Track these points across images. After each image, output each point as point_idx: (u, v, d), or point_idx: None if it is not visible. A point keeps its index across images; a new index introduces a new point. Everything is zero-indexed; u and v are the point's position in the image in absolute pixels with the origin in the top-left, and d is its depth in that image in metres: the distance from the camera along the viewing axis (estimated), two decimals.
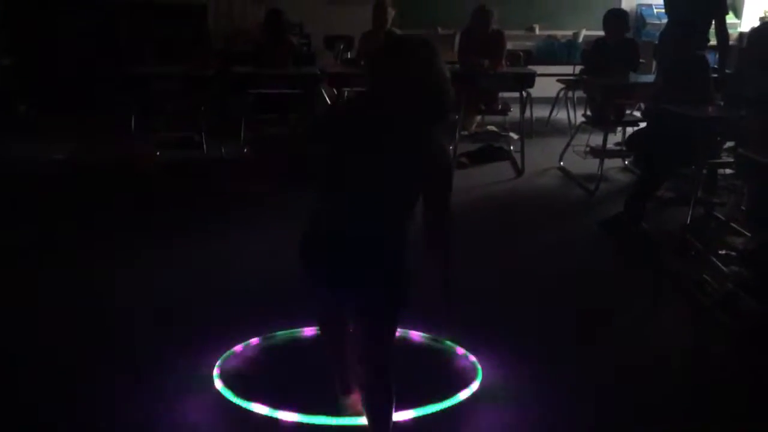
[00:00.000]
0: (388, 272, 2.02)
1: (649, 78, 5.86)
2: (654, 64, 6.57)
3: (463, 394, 2.62)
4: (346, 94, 6.56)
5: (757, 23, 7.75)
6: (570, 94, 7.47)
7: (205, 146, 6.10)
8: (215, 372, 2.71)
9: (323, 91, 7.31)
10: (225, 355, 2.86)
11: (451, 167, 2.09)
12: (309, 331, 3.03)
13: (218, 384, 2.64)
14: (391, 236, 2.01)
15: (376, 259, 1.99)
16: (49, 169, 5.67)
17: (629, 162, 5.99)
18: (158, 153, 5.96)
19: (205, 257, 3.99)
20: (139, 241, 4.22)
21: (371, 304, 2.04)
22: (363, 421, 2.25)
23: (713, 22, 5.42)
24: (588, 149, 6.07)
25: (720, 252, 3.96)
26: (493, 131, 6.83)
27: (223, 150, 6.02)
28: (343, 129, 2.02)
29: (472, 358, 2.88)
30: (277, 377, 2.77)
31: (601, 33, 6.03)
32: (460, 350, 2.95)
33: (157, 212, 4.75)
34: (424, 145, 1.97)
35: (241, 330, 3.03)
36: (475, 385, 2.68)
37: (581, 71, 6.98)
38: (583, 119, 6.14)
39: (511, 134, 6.54)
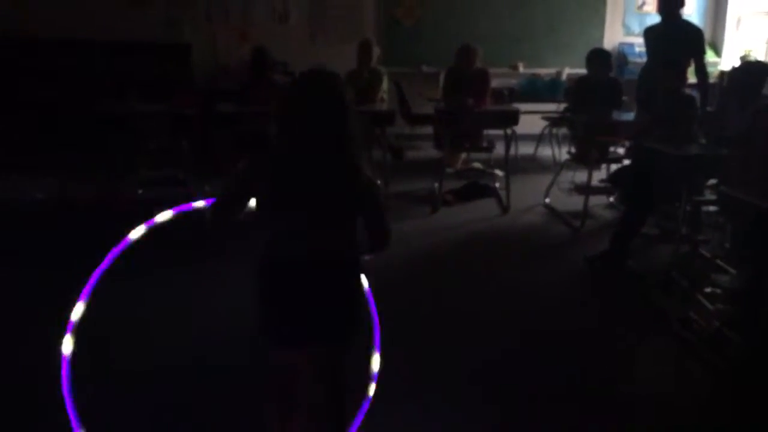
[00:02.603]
0: (349, 301, 2.09)
1: (632, 116, 5.90)
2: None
3: None
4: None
5: (737, 62, 7.87)
6: (554, 131, 7.51)
7: (188, 183, 6.06)
8: None
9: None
10: None
11: (375, 187, 2.14)
12: None
13: None
14: (347, 271, 2.08)
15: (340, 297, 2.06)
16: (30, 208, 5.60)
17: (614, 199, 5.99)
18: (140, 191, 5.91)
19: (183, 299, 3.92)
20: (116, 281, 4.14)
21: (337, 335, 2.09)
22: None
23: (692, 61, 5.51)
24: (573, 186, 6.09)
25: (705, 290, 3.94)
26: (478, 168, 6.84)
27: (206, 188, 5.97)
28: (270, 179, 2.06)
29: None
30: None
31: (584, 71, 6.10)
32: None
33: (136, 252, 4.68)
34: (347, 174, 2.03)
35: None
36: None
37: (565, 109, 7.03)
38: (567, 156, 6.16)
39: (496, 171, 6.55)
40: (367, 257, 2.17)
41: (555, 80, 8.68)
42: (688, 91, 5.21)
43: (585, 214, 5.45)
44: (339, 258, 2.05)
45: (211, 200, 2.26)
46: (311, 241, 2.01)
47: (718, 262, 4.14)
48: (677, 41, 5.54)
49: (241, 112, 5.86)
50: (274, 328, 2.07)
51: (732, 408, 3.01)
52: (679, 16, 5.70)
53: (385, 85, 6.48)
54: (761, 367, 3.27)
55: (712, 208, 4.88)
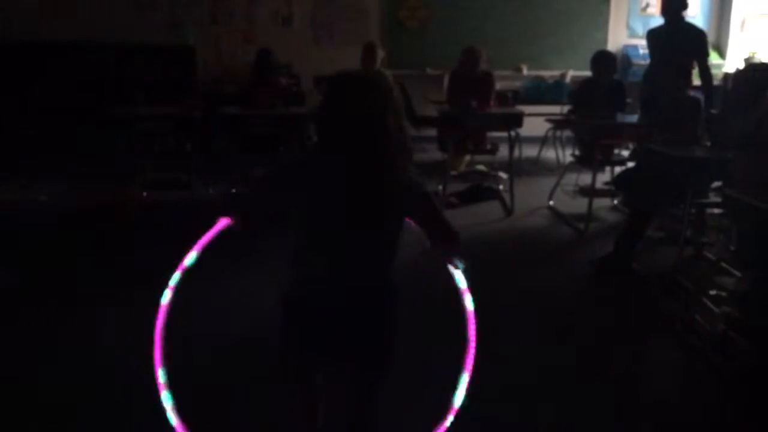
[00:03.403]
0: (388, 324, 2.00)
1: (636, 118, 5.90)
2: None
3: None
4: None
5: (742, 64, 7.86)
6: (558, 133, 7.51)
7: (193, 186, 6.07)
8: None
9: (313, 132, 7.33)
10: None
11: (428, 192, 2.03)
12: None
13: None
14: (386, 287, 1.99)
15: (377, 312, 1.97)
16: (34, 211, 5.61)
17: (618, 201, 5.98)
18: (145, 194, 5.92)
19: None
20: (122, 284, 4.15)
21: (373, 359, 2.01)
22: None
23: (695, 63, 5.51)
24: (577, 189, 6.08)
25: (710, 292, 3.92)
26: (482, 171, 6.84)
27: (211, 190, 5.99)
28: (313, 180, 1.91)
29: None
30: None
31: (588, 73, 6.09)
32: None
33: (141, 255, 4.69)
34: (396, 182, 1.91)
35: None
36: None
37: (569, 111, 7.03)
38: (571, 159, 6.15)
39: (500, 174, 6.55)
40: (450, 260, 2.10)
41: (559, 83, 8.69)
42: (692, 93, 5.20)
43: (589, 216, 5.44)
44: (375, 280, 1.96)
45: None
46: (346, 265, 1.90)
47: (723, 264, 4.13)
48: (680, 44, 5.53)
49: (246, 114, 5.87)
50: (300, 347, 1.99)
51: (738, 413, 2.99)
52: (682, 18, 5.69)
53: None
54: (766, 371, 3.26)
55: (716, 210, 4.88)
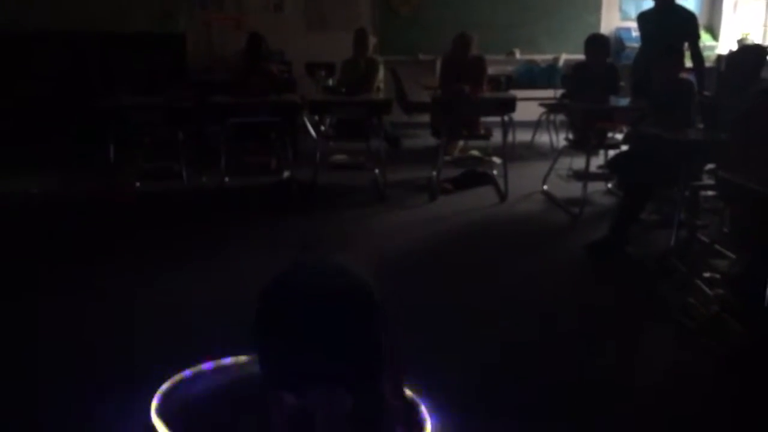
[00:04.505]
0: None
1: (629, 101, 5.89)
2: None
3: None
4: (327, 121, 6.56)
5: (735, 46, 7.84)
6: (552, 117, 7.49)
7: (185, 176, 6.05)
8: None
9: (305, 119, 7.31)
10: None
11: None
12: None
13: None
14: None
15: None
16: (25, 204, 5.58)
17: (612, 185, 5.98)
18: (138, 184, 5.89)
19: (180, 290, 3.92)
20: (114, 275, 4.14)
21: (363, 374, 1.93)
22: None
23: (687, 45, 5.50)
24: (571, 173, 6.08)
25: (704, 275, 3.93)
26: (475, 156, 6.83)
27: (204, 179, 5.97)
28: None
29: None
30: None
31: (581, 57, 6.06)
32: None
33: (136, 246, 4.68)
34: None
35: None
36: None
37: (562, 95, 7.01)
38: (565, 143, 6.14)
39: (494, 159, 6.53)
40: None
41: (552, 66, 8.65)
42: (685, 75, 5.19)
43: (583, 200, 5.43)
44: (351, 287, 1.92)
45: None
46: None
47: (717, 247, 4.14)
48: (671, 26, 5.52)
49: (237, 102, 5.83)
50: (280, 373, 1.92)
51: (732, 395, 3.00)
52: (672, 1, 5.67)
53: (381, 74, 6.46)
54: (761, 353, 3.27)
55: (710, 193, 4.88)
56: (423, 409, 2.72)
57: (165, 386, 2.72)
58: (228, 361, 2.95)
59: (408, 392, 2.79)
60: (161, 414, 2.54)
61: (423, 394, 2.77)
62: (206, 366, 2.91)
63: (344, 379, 1.91)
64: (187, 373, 2.84)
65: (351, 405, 1.95)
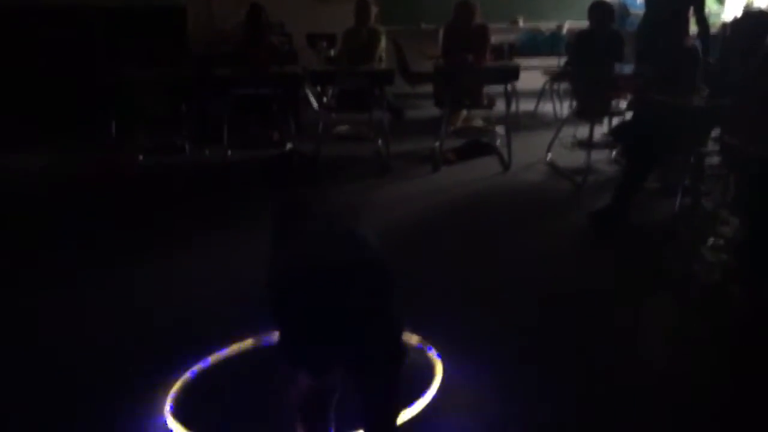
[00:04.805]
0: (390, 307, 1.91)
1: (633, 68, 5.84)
2: None
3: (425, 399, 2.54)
4: (329, 92, 6.52)
5: (740, 12, 7.74)
6: (555, 86, 7.43)
7: (188, 149, 6.04)
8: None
9: (307, 91, 7.27)
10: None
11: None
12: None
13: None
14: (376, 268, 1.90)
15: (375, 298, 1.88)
16: (26, 180, 5.58)
17: (616, 153, 5.95)
18: (140, 158, 5.89)
19: (189, 266, 3.94)
20: (122, 250, 4.16)
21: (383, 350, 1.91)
22: None
23: (692, 11, 5.44)
24: (575, 142, 6.05)
25: (708, 242, 3.93)
26: (478, 126, 6.79)
27: (206, 152, 5.96)
28: None
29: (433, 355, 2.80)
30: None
31: (585, 25, 6.00)
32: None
33: (139, 221, 4.69)
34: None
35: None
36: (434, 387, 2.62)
37: (566, 63, 6.95)
38: (569, 111, 6.10)
39: (497, 129, 6.50)
40: None
41: (555, 34, 8.55)
42: (690, 42, 5.14)
43: (587, 169, 5.42)
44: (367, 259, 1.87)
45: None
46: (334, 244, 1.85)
47: (721, 214, 4.13)
48: None
49: (238, 75, 5.80)
50: (299, 351, 1.89)
51: (735, 362, 3.02)
52: None
53: (383, 43, 6.40)
54: (763, 318, 3.28)
55: (715, 159, 4.86)
56: (433, 351, 2.76)
57: (176, 386, 2.70)
58: (225, 352, 2.94)
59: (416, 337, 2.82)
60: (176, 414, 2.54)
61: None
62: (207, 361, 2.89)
63: (363, 361, 1.89)
64: (193, 372, 2.83)
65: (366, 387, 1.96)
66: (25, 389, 2.77)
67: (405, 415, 2.36)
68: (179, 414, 2.53)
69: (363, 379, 1.95)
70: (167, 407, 2.57)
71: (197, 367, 2.81)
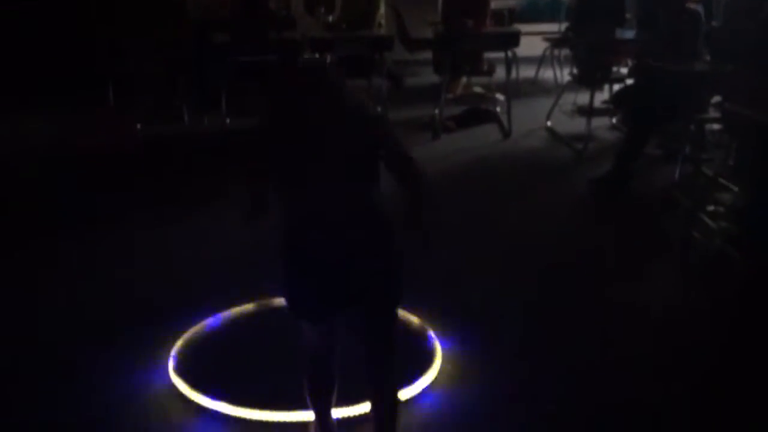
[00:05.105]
0: (392, 251, 1.95)
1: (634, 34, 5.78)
2: None
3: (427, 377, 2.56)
4: (328, 59, 6.45)
5: None
6: (556, 52, 7.36)
7: (186, 118, 6.00)
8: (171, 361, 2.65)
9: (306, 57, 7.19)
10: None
11: (383, 117, 2.01)
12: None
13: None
14: (376, 216, 1.93)
15: (378, 241, 1.92)
16: (26, 150, 5.55)
17: (617, 120, 5.92)
18: (139, 127, 5.85)
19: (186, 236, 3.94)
20: (117, 221, 4.16)
21: (386, 292, 1.96)
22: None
23: None
24: (575, 108, 6.02)
25: (708, 208, 3.93)
26: (478, 93, 6.75)
27: (205, 120, 5.93)
28: (282, 131, 1.90)
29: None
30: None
31: None
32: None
33: (139, 189, 4.68)
34: (355, 110, 1.94)
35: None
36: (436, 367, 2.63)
37: (567, 29, 6.88)
38: (569, 78, 6.06)
39: (497, 95, 6.46)
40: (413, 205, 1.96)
41: (556, 0, 8.46)
42: (692, 5, 5.07)
43: (587, 136, 5.39)
44: (365, 212, 1.91)
45: None
46: (333, 199, 1.86)
47: (722, 180, 4.12)
48: None
49: (237, 42, 5.73)
50: (305, 302, 1.95)
51: (734, 327, 3.04)
52: None
53: (382, 9, 6.34)
54: (763, 284, 3.29)
55: (716, 126, 4.84)
56: (432, 334, 2.78)
57: (179, 343, 2.75)
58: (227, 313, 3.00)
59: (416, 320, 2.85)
60: (179, 370, 2.59)
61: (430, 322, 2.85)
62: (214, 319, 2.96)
63: (363, 307, 1.95)
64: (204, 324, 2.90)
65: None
66: (29, 345, 2.83)
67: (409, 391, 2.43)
68: (181, 369, 2.60)
69: (364, 322, 2.00)
70: (171, 362, 2.64)
71: (200, 325, 2.88)
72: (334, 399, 2.16)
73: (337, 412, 2.24)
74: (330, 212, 1.87)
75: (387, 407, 2.09)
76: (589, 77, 5.60)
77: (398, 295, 1.99)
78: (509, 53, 5.86)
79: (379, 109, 1.91)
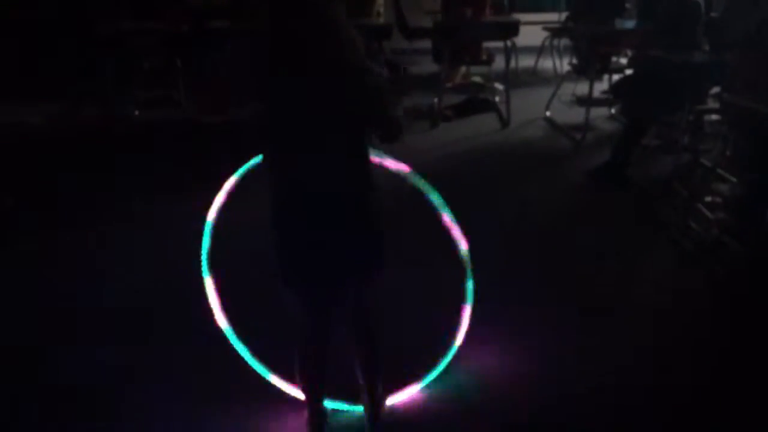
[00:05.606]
0: (374, 215, 1.99)
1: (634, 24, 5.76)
2: None
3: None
4: None
5: None
6: (556, 42, 7.35)
7: (183, 104, 5.98)
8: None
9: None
10: None
11: (382, 85, 1.97)
12: None
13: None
14: (363, 187, 1.95)
15: (361, 215, 1.95)
16: (24, 134, 5.54)
17: (615, 110, 5.92)
18: (137, 112, 5.84)
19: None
20: (112, 207, 4.16)
21: (368, 265, 2.01)
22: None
23: None
24: (574, 98, 6.01)
25: (706, 199, 3.94)
26: (477, 83, 6.74)
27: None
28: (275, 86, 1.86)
29: None
30: None
31: None
32: None
33: (133, 176, 4.67)
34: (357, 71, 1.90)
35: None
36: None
37: (567, 18, 6.87)
38: (569, 68, 6.05)
39: (496, 85, 6.45)
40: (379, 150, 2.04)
41: None
42: None
43: (586, 126, 5.39)
44: (349, 186, 1.91)
45: None
46: (317, 163, 1.85)
47: (719, 171, 4.13)
48: None
49: (236, 28, 5.71)
50: (294, 272, 1.97)
51: (730, 316, 3.05)
52: None
53: None
54: (759, 274, 3.31)
55: (714, 117, 4.84)
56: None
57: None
58: None
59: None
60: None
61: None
62: None
63: (348, 279, 2.01)
64: None
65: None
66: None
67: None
68: None
69: (349, 295, 2.08)
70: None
71: None
72: (325, 382, 2.18)
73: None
74: (320, 183, 1.86)
75: (367, 347, 2.15)
76: (589, 67, 5.59)
77: (381, 267, 2.03)
78: (508, 43, 5.85)
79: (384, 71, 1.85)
